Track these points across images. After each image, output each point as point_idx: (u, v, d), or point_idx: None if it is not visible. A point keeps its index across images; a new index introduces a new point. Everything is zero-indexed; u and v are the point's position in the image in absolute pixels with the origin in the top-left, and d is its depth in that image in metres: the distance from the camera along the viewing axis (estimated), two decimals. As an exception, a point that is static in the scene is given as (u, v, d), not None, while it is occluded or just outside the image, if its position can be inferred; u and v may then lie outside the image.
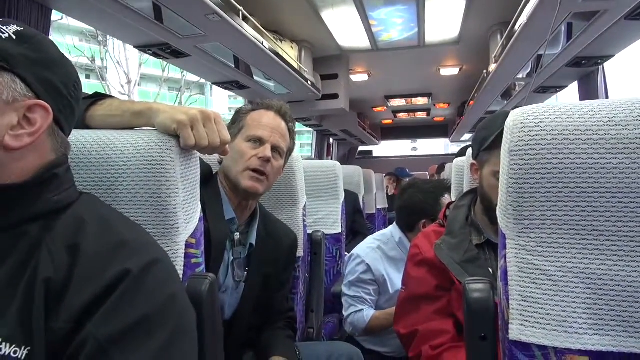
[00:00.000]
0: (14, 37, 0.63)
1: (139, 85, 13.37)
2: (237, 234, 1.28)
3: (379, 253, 2.00)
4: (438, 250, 1.22)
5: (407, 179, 6.19)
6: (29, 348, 0.55)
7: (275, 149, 1.29)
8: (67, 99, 0.68)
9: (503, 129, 0.78)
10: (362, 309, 1.94)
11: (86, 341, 0.55)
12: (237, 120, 1.34)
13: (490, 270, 1.14)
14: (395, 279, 1.95)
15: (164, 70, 13.94)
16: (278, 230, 1.42)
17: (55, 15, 1.79)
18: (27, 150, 0.64)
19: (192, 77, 13.61)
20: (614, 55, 2.61)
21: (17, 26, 0.65)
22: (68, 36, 11.47)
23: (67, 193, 0.68)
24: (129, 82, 12.28)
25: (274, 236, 1.38)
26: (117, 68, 12.18)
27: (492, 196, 1.16)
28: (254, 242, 1.31)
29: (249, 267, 1.30)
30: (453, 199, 1.70)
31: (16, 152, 0.62)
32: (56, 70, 0.67)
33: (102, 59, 12.33)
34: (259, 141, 1.28)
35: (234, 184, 1.26)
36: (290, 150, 1.40)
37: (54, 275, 0.59)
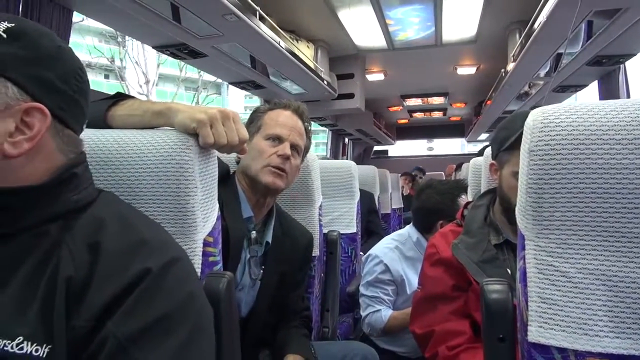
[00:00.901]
0: (4, 36, 0.60)
1: (156, 85, 13.54)
2: (254, 232, 1.29)
3: (396, 253, 1.99)
4: (455, 249, 1.21)
5: (423, 177, 6.18)
6: (50, 346, 0.55)
7: (293, 147, 1.30)
8: (67, 94, 0.65)
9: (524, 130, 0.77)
10: (380, 309, 1.93)
11: (106, 340, 0.56)
12: (255, 119, 1.35)
13: (509, 271, 1.13)
14: (413, 280, 1.94)
15: (181, 70, 14.09)
16: (294, 230, 1.42)
17: (76, 17, 1.82)
18: (30, 154, 0.61)
19: (209, 77, 13.72)
20: (635, 54, 2.56)
21: (7, 22, 0.61)
22: (88, 37, 11.69)
23: (86, 192, 0.68)
24: (147, 82, 12.44)
25: (290, 235, 1.39)
26: (136, 68, 12.38)
27: (511, 196, 1.15)
28: (270, 241, 1.32)
29: (265, 265, 1.30)
30: (470, 199, 1.68)
31: (18, 158, 0.60)
32: (52, 65, 0.63)
33: (121, 60, 12.53)
34: (277, 139, 1.29)
35: (254, 180, 1.26)
36: (307, 149, 1.41)
37: (74, 274, 0.59)
